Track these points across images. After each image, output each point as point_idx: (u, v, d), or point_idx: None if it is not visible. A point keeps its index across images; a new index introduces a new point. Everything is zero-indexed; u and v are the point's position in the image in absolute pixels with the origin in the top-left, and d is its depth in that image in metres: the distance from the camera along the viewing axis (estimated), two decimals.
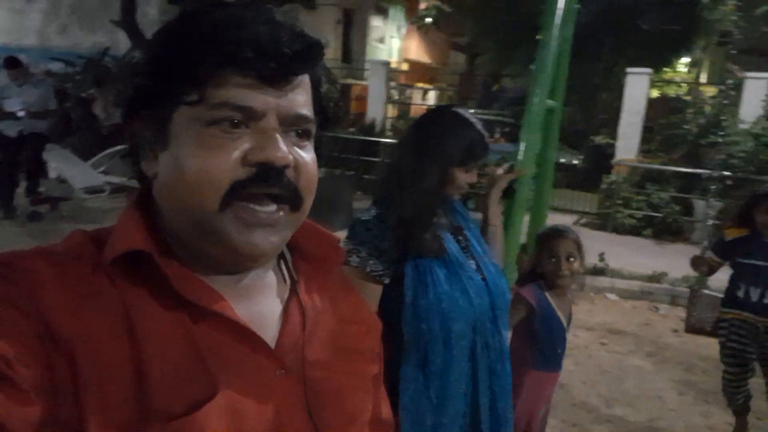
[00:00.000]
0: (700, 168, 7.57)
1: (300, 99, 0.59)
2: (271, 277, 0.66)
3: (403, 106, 14.18)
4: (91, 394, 0.51)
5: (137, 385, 0.52)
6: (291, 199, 0.58)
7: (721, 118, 8.03)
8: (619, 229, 7.75)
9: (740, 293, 2.71)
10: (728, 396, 2.87)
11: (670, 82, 13.27)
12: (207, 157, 0.55)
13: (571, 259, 2.01)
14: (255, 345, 0.59)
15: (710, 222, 7.43)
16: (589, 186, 9.19)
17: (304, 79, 0.60)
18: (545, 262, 2.02)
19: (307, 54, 0.58)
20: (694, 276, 5.72)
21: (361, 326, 0.74)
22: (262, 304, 0.64)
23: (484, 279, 1.47)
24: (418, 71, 21.49)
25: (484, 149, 1.46)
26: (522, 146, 2.06)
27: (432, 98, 19.76)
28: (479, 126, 1.50)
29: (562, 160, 11.17)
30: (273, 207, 0.57)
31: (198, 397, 0.53)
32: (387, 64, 12.07)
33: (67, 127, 8.29)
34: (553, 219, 8.59)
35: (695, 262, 2.90)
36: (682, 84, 12.84)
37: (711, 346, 4.35)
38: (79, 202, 6.44)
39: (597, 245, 6.53)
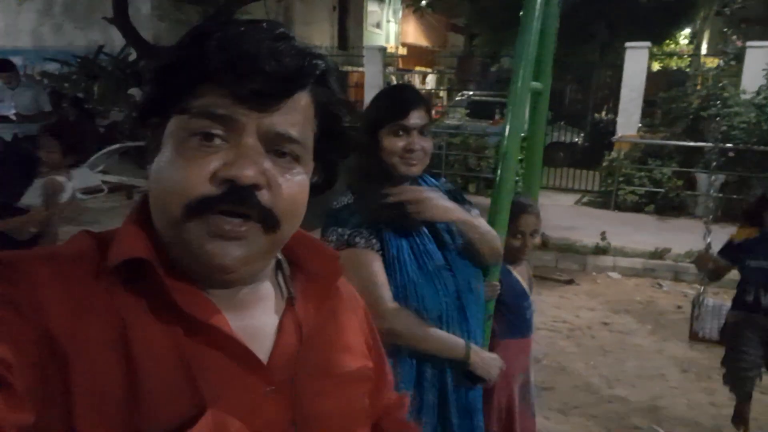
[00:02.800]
0: (702, 141, 7.47)
1: (286, 119, 0.57)
2: (267, 290, 0.65)
3: None
4: (82, 403, 0.50)
5: (128, 398, 0.52)
6: (263, 219, 0.57)
7: (722, 89, 7.90)
8: (622, 207, 7.68)
9: (749, 297, 2.51)
10: (734, 386, 2.66)
11: (670, 54, 13.09)
12: (181, 167, 0.55)
13: (534, 234, 2.05)
14: (246, 361, 0.58)
15: (713, 194, 7.35)
16: (590, 164, 9.10)
17: (297, 100, 0.59)
18: (509, 237, 2.00)
19: (296, 77, 0.57)
20: (698, 251, 5.69)
21: (353, 350, 0.72)
22: (256, 317, 0.63)
23: (450, 268, 1.46)
24: (417, 55, 21.32)
25: (403, 108, 1.43)
26: (507, 129, 2.01)
27: (431, 82, 19.61)
28: (408, 90, 1.50)
29: (563, 139, 11.09)
30: (241, 221, 0.56)
31: (186, 416, 0.53)
32: (383, 49, 11.97)
33: None
34: (555, 198, 8.56)
35: (700, 261, 2.71)
36: (684, 56, 12.65)
37: None
38: (77, 203, 6.44)
39: (599, 223, 6.50)
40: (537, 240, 2.09)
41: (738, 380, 2.60)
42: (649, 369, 3.63)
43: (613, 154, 8.22)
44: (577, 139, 11.40)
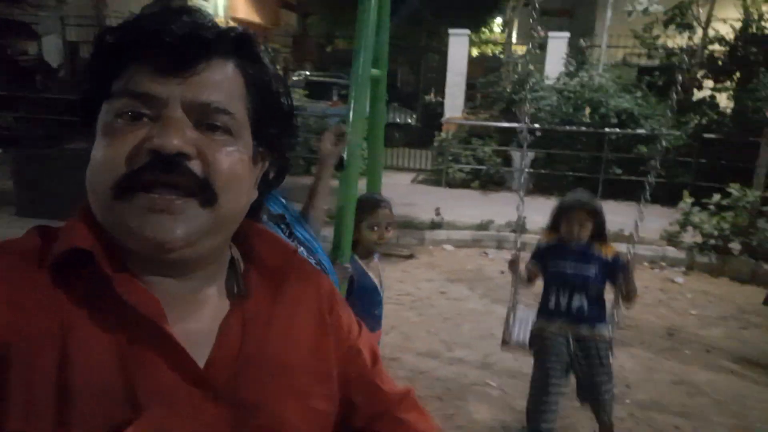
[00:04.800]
0: (515, 122, 8.39)
1: (210, 89, 0.56)
2: (215, 292, 0.63)
3: None
4: (17, 397, 0.50)
5: (60, 396, 0.51)
6: (198, 191, 0.55)
7: (529, 75, 8.92)
8: (452, 183, 8.38)
9: (551, 303, 2.52)
10: (533, 416, 2.50)
11: (486, 42, 14.32)
12: (106, 146, 0.55)
13: (389, 228, 2.15)
14: (184, 365, 0.56)
15: (526, 170, 8.34)
16: (423, 144, 9.73)
17: (220, 70, 0.58)
18: (365, 231, 2.11)
19: (208, 41, 0.56)
20: (516, 221, 6.44)
21: (315, 346, 0.68)
22: (201, 321, 0.60)
23: (318, 263, 1.49)
24: None
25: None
26: (350, 116, 2.09)
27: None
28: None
29: (398, 120, 11.65)
30: (179, 195, 0.54)
31: (118, 420, 0.52)
32: None
33: None
34: (394, 178, 8.97)
35: (510, 265, 2.64)
36: (498, 44, 13.92)
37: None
38: None
39: (433, 200, 7.01)
40: (391, 233, 2.16)
41: (539, 397, 2.48)
42: (482, 330, 4.08)
43: (443, 134, 8.88)
44: (410, 120, 12.04)
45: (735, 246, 5.58)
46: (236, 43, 0.59)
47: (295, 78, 13.11)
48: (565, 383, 2.52)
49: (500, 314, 4.39)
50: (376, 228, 2.12)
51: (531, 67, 8.53)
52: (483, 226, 6.27)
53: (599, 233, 2.48)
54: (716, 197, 5.76)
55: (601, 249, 2.48)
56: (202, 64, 0.56)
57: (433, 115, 11.27)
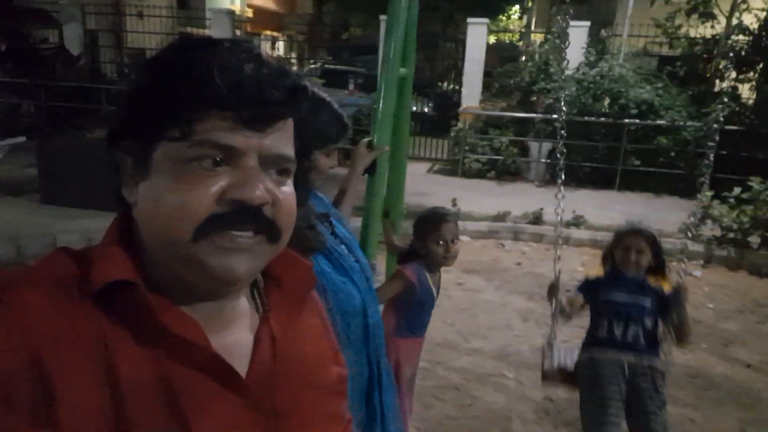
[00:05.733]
0: (533, 112, 8.35)
1: (281, 140, 0.60)
2: (244, 306, 0.67)
3: None
4: (68, 422, 0.52)
5: (112, 418, 0.53)
6: (268, 231, 0.60)
7: (548, 64, 8.84)
8: (468, 174, 8.37)
9: (602, 331, 2.41)
10: None
11: (505, 30, 14.18)
12: (185, 191, 0.56)
13: (455, 241, 2.16)
14: (228, 378, 0.60)
15: (543, 161, 8.31)
16: (438, 132, 9.71)
17: (289, 121, 0.62)
18: (432, 245, 2.13)
19: (290, 100, 0.60)
20: (532, 213, 6.44)
21: (325, 357, 0.75)
22: (235, 334, 0.64)
23: (357, 260, 1.51)
24: (264, 18, 20.54)
25: (343, 131, 1.48)
26: (379, 116, 2.10)
27: (281, 48, 19.13)
28: (336, 106, 1.48)
29: (414, 109, 11.62)
30: (250, 233, 0.58)
31: None
32: (231, 13, 11.43)
33: None
34: (409, 167, 8.94)
35: (550, 291, 2.56)
36: (517, 32, 13.78)
37: (547, 274, 5.00)
38: None
39: (449, 190, 7.01)
40: (458, 247, 2.17)
41: (597, 429, 2.32)
42: (498, 321, 4.11)
43: (459, 124, 8.86)
44: (426, 109, 12.00)
45: (754, 240, 5.54)
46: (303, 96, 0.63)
47: (311, 66, 13.12)
48: (622, 413, 2.33)
49: (516, 306, 4.45)
50: (441, 242, 2.13)
51: (551, 56, 8.45)
52: (499, 218, 6.28)
53: (657, 266, 2.43)
54: (737, 190, 5.71)
55: (659, 282, 2.42)
56: (281, 121, 0.60)
57: (448, 104, 11.20)
